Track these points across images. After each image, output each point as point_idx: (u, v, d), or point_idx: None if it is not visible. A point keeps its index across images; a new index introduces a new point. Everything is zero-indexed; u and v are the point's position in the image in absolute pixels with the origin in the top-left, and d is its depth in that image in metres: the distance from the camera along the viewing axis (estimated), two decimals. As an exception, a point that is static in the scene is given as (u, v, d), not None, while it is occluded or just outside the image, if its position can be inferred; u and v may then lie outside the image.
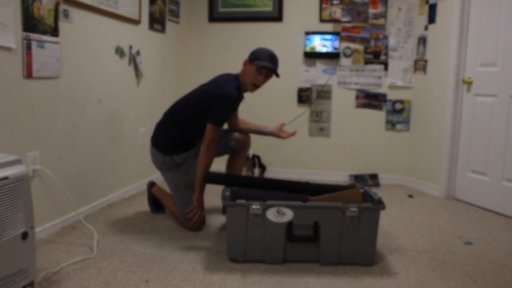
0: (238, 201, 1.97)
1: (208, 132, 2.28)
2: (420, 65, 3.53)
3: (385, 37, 3.64)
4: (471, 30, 3.07)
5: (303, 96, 3.80)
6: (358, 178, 3.70)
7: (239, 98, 2.39)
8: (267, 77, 2.37)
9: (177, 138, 2.42)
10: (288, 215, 1.95)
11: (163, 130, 2.47)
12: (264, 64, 2.30)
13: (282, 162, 3.88)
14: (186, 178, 2.42)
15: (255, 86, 2.38)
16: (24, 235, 1.49)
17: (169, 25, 3.59)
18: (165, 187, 2.78)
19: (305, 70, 3.78)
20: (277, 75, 2.37)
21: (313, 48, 3.66)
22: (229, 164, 2.69)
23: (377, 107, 3.73)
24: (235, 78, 2.40)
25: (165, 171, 2.47)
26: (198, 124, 2.34)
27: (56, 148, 2.31)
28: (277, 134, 2.70)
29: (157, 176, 3.39)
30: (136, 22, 3.05)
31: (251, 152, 3.80)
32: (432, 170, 3.41)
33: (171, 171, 2.44)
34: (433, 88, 3.39)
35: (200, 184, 2.33)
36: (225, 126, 2.67)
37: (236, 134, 2.63)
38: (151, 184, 2.74)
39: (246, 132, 2.68)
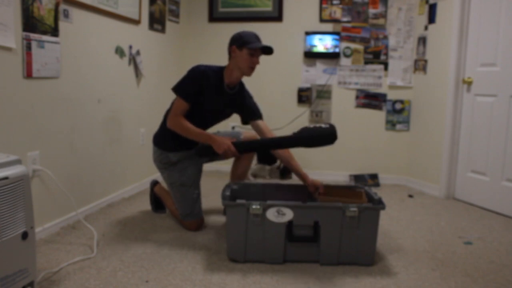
0: (238, 201, 1.97)
1: (173, 106, 2.29)
2: (420, 65, 3.53)
3: (385, 37, 3.64)
4: (471, 30, 3.07)
5: (303, 96, 3.80)
6: (358, 178, 3.70)
7: (210, 76, 2.29)
8: (259, 56, 2.34)
9: (173, 134, 2.36)
10: (288, 215, 1.95)
11: (161, 129, 2.47)
12: (260, 46, 2.28)
13: (282, 162, 3.88)
14: (182, 176, 2.40)
15: (252, 69, 2.34)
16: (24, 235, 1.49)
17: (169, 25, 3.59)
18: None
19: (305, 70, 3.79)
20: (272, 51, 2.31)
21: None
22: (235, 164, 2.66)
23: (377, 107, 3.73)
24: (217, 66, 2.38)
25: (163, 170, 2.46)
26: (191, 120, 2.29)
27: (56, 148, 2.31)
28: (309, 186, 2.36)
29: (157, 176, 3.39)
30: (136, 22, 3.05)
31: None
32: (432, 170, 3.41)
33: (168, 170, 2.43)
34: (433, 88, 3.39)
35: (207, 135, 2.25)
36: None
37: (243, 136, 2.59)
38: (154, 183, 2.75)
39: (280, 159, 2.49)
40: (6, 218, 1.42)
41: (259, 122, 2.49)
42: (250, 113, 2.50)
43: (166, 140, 2.42)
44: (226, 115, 2.53)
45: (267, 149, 2.21)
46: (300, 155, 3.85)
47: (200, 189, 2.47)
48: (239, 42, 2.29)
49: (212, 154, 2.24)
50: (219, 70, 2.36)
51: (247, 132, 2.65)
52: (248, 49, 2.26)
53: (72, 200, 2.38)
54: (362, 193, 2.21)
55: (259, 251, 1.99)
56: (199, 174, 2.49)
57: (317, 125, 2.15)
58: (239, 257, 2.00)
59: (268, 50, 2.32)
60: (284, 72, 3.82)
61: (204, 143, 2.26)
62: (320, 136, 2.08)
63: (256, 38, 2.32)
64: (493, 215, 2.85)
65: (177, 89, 2.29)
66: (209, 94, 2.32)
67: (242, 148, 2.24)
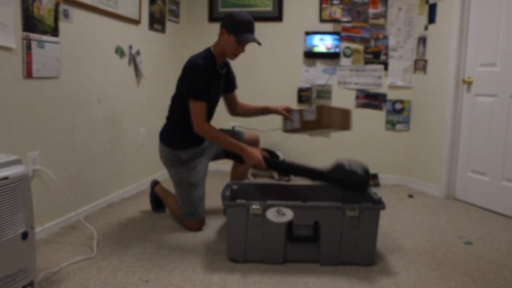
0: (238, 201, 1.97)
1: (190, 109, 2.23)
2: (420, 65, 3.53)
3: (385, 37, 3.64)
4: (471, 30, 3.07)
5: (303, 96, 3.80)
6: (358, 178, 3.69)
7: (209, 66, 2.28)
8: (246, 45, 2.32)
9: (181, 131, 2.38)
10: (288, 215, 1.95)
11: (168, 124, 2.45)
12: (250, 40, 2.25)
13: (282, 162, 3.88)
14: (191, 176, 2.38)
15: (236, 56, 2.33)
16: (24, 235, 1.49)
17: (169, 25, 3.59)
18: (168, 185, 2.78)
19: (305, 70, 3.79)
20: (259, 44, 2.30)
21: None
22: (235, 164, 2.65)
23: (377, 107, 3.73)
24: (205, 50, 2.35)
25: (170, 168, 2.43)
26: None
27: (56, 148, 2.31)
28: (281, 112, 2.53)
29: (158, 175, 3.39)
30: (136, 22, 3.05)
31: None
32: (432, 170, 3.41)
33: (176, 167, 2.40)
34: (433, 88, 3.39)
35: (238, 145, 2.24)
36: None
37: (246, 136, 2.60)
38: (154, 183, 2.74)
39: (248, 115, 2.63)
40: (6, 218, 1.42)
41: (234, 92, 2.59)
42: (232, 85, 2.57)
43: (175, 138, 2.39)
44: (220, 94, 2.54)
45: (295, 173, 2.17)
46: (300, 155, 3.85)
47: (204, 189, 2.47)
48: (229, 26, 2.25)
49: (240, 160, 2.25)
50: (210, 55, 2.32)
51: (249, 132, 2.65)
52: (238, 39, 2.24)
53: (72, 200, 2.38)
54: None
55: (259, 251, 1.99)
56: (205, 173, 2.49)
57: (353, 167, 2.12)
58: (239, 257, 2.00)
59: (259, 44, 2.31)
60: (284, 72, 3.82)
61: (235, 152, 2.26)
62: (351, 185, 2.05)
63: (248, 26, 2.26)
64: (493, 215, 2.85)
65: (192, 93, 2.23)
66: (212, 84, 2.33)
67: (272, 165, 2.24)
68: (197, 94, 2.22)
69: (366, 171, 2.10)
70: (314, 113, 2.36)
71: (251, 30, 2.28)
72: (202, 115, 2.24)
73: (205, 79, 2.25)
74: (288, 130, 2.55)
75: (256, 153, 2.22)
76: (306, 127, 2.44)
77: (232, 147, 2.26)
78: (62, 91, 2.33)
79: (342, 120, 2.44)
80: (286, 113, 2.51)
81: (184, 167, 2.39)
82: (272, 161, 2.25)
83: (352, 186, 2.02)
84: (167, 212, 2.72)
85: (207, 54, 2.31)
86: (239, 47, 2.29)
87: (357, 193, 2.07)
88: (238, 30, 2.24)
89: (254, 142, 2.63)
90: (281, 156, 3.65)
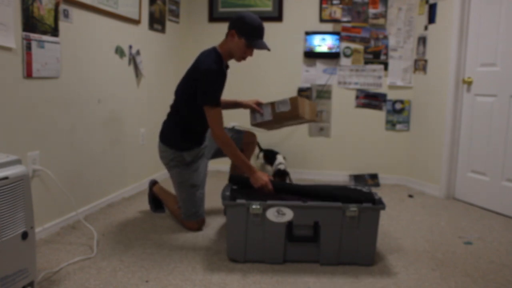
0: (238, 201, 1.97)
1: (208, 116, 2.21)
2: (420, 65, 3.53)
3: (385, 37, 3.64)
4: (471, 30, 3.07)
5: (303, 96, 3.80)
6: (358, 178, 3.70)
7: (221, 69, 2.26)
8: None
9: (181, 131, 2.37)
10: (288, 215, 1.95)
11: (169, 124, 2.43)
12: (262, 47, 2.23)
13: (282, 162, 3.88)
14: (193, 177, 2.38)
15: (244, 59, 2.32)
16: (24, 235, 1.49)
17: (169, 25, 3.59)
18: (167, 185, 2.78)
19: (305, 70, 3.79)
20: (269, 50, 2.29)
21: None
22: (234, 165, 2.67)
23: (377, 107, 3.73)
24: (213, 50, 2.31)
25: (172, 168, 2.41)
26: (198, 110, 2.26)
27: (56, 148, 2.31)
28: (251, 105, 2.53)
29: (158, 175, 3.39)
30: (136, 22, 3.05)
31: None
32: (432, 170, 3.41)
33: (179, 168, 2.38)
34: (433, 88, 3.39)
35: (248, 165, 2.23)
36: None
37: (243, 135, 2.61)
38: (153, 183, 2.74)
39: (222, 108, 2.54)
40: (6, 218, 1.42)
41: None
42: None
43: (176, 139, 2.37)
44: None
45: (304, 196, 2.17)
46: (299, 155, 3.86)
47: (204, 189, 2.47)
48: (240, 30, 2.22)
49: (245, 184, 2.25)
50: (218, 57, 2.28)
51: (247, 131, 2.66)
52: (249, 43, 2.23)
53: (72, 200, 2.38)
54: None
55: (259, 251, 1.99)
56: (206, 174, 2.49)
57: (358, 187, 2.22)
58: (239, 257, 2.00)
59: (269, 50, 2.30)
60: (284, 72, 3.82)
61: (243, 171, 2.26)
62: (357, 200, 2.04)
63: (260, 32, 2.25)
64: (493, 215, 2.86)
65: (209, 100, 2.20)
66: (222, 86, 2.32)
67: (280, 189, 2.23)
68: (214, 101, 2.21)
69: (370, 190, 2.17)
70: (288, 104, 2.39)
71: (261, 35, 2.27)
72: (221, 123, 2.23)
73: (222, 84, 2.27)
74: (257, 123, 2.55)
75: (263, 176, 2.21)
76: (279, 118, 2.46)
77: (243, 166, 2.24)
78: (62, 91, 2.33)
79: (311, 111, 2.53)
80: (256, 107, 2.51)
81: (187, 168, 2.38)
82: (280, 185, 2.25)
83: (357, 201, 2.03)
84: (166, 212, 2.71)
85: (216, 56, 2.27)
86: (248, 51, 2.28)
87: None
88: (250, 34, 2.22)
89: (251, 142, 2.65)
90: (280, 159, 3.65)
